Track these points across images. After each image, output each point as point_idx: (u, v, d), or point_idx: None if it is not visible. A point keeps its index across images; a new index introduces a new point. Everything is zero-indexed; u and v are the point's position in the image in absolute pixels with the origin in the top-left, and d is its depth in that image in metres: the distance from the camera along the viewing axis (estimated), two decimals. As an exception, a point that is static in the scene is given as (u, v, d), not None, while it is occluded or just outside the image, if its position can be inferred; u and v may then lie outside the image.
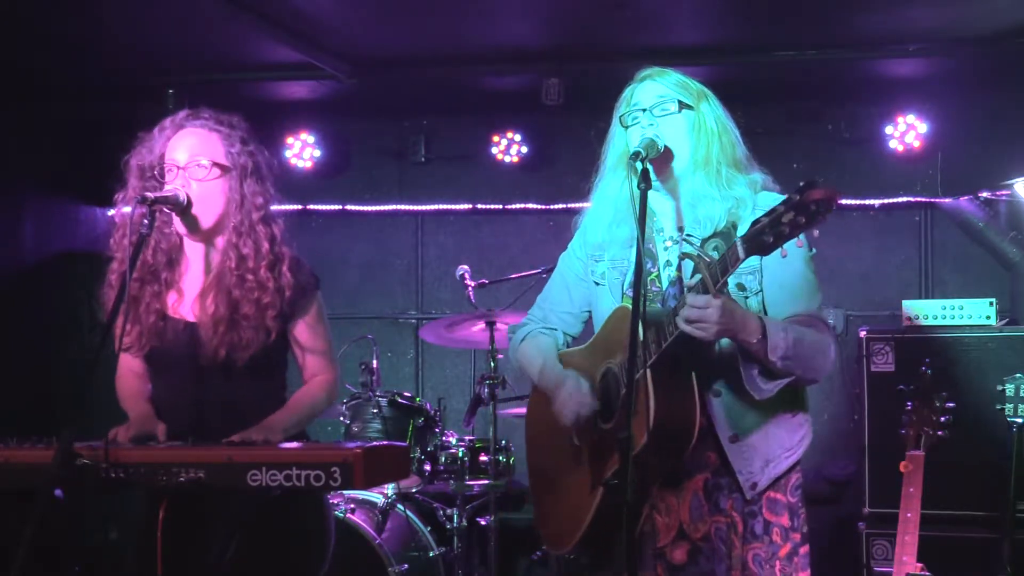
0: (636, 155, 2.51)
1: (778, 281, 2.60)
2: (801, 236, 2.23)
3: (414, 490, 4.93)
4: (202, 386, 2.83)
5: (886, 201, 5.92)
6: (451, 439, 4.92)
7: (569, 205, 6.01)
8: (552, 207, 6.20)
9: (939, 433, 3.86)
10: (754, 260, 2.36)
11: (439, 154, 6.37)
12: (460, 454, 4.81)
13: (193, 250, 2.90)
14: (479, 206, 6.37)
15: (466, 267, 5.30)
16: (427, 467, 4.80)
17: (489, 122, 6.15)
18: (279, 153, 6.14)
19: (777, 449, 2.62)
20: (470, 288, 5.22)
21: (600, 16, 4.87)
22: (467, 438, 4.94)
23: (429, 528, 4.88)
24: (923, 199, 5.89)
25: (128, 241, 2.69)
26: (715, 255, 2.38)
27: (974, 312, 4.78)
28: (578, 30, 5.11)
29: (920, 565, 3.78)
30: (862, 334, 4.87)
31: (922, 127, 5.66)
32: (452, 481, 4.83)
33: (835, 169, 5.84)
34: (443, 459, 4.83)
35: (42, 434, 2.59)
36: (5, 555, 2.38)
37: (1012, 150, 5.49)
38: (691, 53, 5.22)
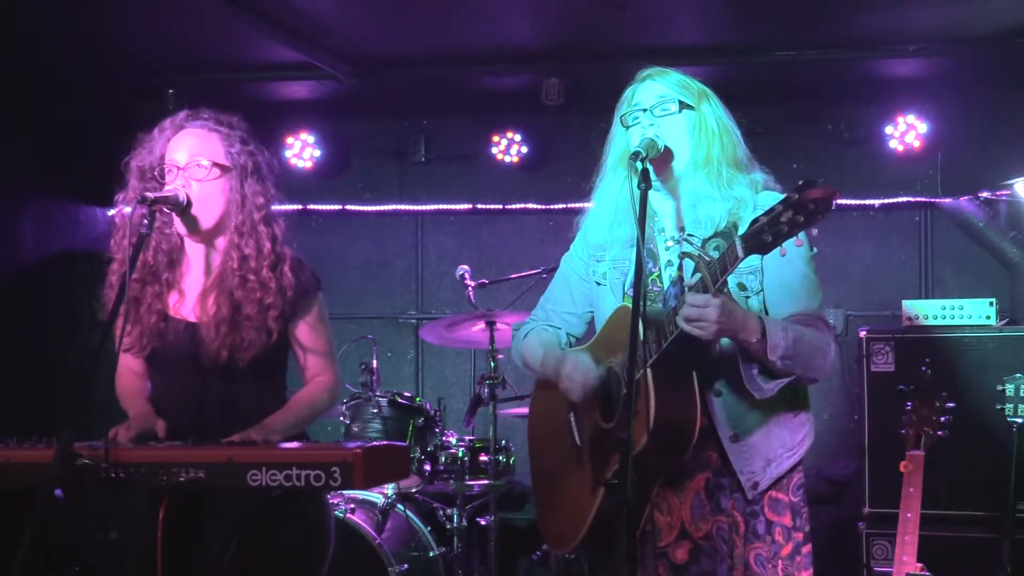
0: (636, 155, 2.51)
1: (779, 280, 2.60)
2: (801, 235, 2.24)
3: (414, 490, 4.94)
4: (203, 387, 2.83)
5: (886, 201, 5.92)
6: (451, 439, 4.92)
7: (569, 205, 6.01)
8: (552, 207, 6.20)
9: (939, 433, 3.86)
10: (755, 259, 2.37)
11: (439, 154, 6.37)
12: (460, 454, 4.81)
13: (194, 250, 2.90)
14: (479, 206, 6.37)
15: (466, 267, 5.30)
16: (427, 467, 4.80)
17: (489, 122, 6.15)
18: (279, 153, 6.14)
19: (778, 449, 2.62)
20: (470, 288, 5.22)
21: (600, 16, 4.86)
22: (467, 438, 4.94)
23: (429, 528, 4.88)
24: (923, 199, 5.89)
25: (128, 242, 2.69)
26: (716, 255, 2.38)
27: (974, 312, 4.78)
28: (578, 30, 5.11)
29: (920, 565, 3.78)
30: (862, 334, 4.87)
31: (922, 127, 5.66)
32: (452, 481, 4.83)
33: (835, 169, 5.84)
34: (443, 459, 4.83)
35: (42, 434, 2.59)
36: (5, 555, 2.38)
37: (1012, 150, 5.49)
38: (691, 53, 5.23)
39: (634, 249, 2.46)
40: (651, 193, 2.56)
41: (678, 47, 5.21)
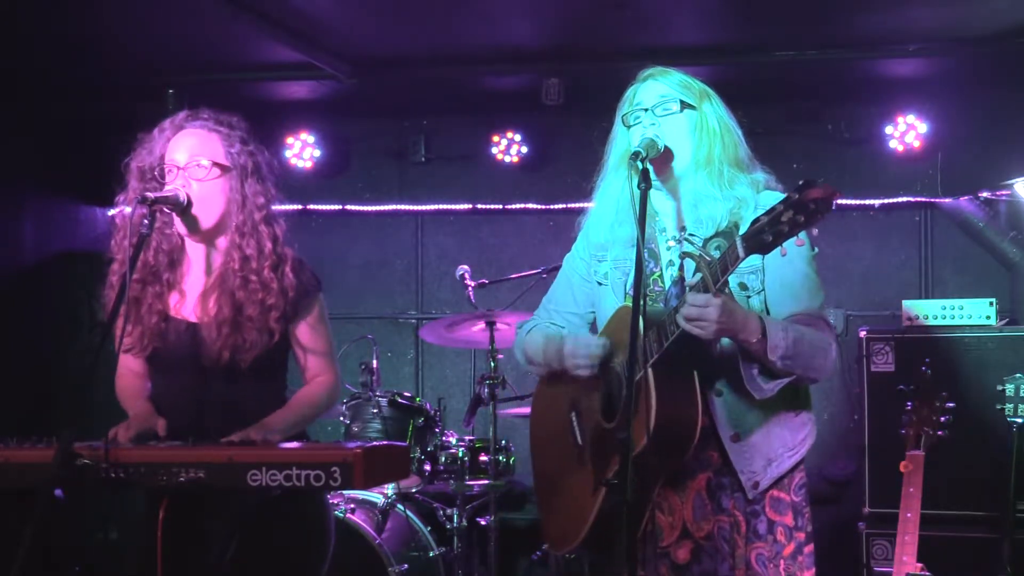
0: (636, 155, 2.52)
1: (780, 280, 2.60)
2: (802, 235, 2.24)
3: (414, 490, 4.94)
4: (204, 387, 2.83)
5: (886, 201, 5.92)
6: (451, 439, 4.92)
7: (569, 205, 6.01)
8: (552, 207, 6.20)
9: (939, 433, 3.86)
10: (756, 259, 2.37)
11: (439, 154, 6.37)
12: (460, 454, 4.81)
13: (194, 251, 2.90)
14: (479, 206, 6.37)
15: (466, 267, 5.31)
16: (427, 467, 4.80)
17: (489, 122, 6.15)
18: (279, 153, 6.14)
19: (779, 448, 2.62)
20: (470, 288, 5.22)
21: (600, 16, 4.87)
22: (467, 438, 4.94)
23: (429, 528, 4.88)
24: (923, 199, 5.89)
25: (129, 242, 2.69)
26: (717, 254, 2.38)
27: (974, 312, 4.78)
28: (578, 30, 5.11)
29: (920, 565, 3.79)
30: (862, 334, 4.87)
31: (922, 127, 5.66)
32: (452, 481, 4.83)
33: (835, 169, 5.84)
34: (443, 459, 4.83)
35: (42, 434, 2.58)
36: (5, 555, 2.38)
37: (1012, 150, 5.49)
38: (691, 53, 5.23)
39: (635, 249, 2.46)
40: (652, 193, 2.56)
41: (678, 47, 5.22)
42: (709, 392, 2.57)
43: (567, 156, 6.13)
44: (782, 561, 2.61)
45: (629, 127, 2.70)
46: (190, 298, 2.88)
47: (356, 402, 4.87)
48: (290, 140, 6.25)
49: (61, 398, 5.70)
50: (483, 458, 4.85)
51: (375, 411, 4.79)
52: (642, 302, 2.40)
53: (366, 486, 2.56)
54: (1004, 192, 5.55)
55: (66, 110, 5.86)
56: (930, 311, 4.82)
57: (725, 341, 2.52)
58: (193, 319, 2.86)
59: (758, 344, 2.43)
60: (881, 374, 4.76)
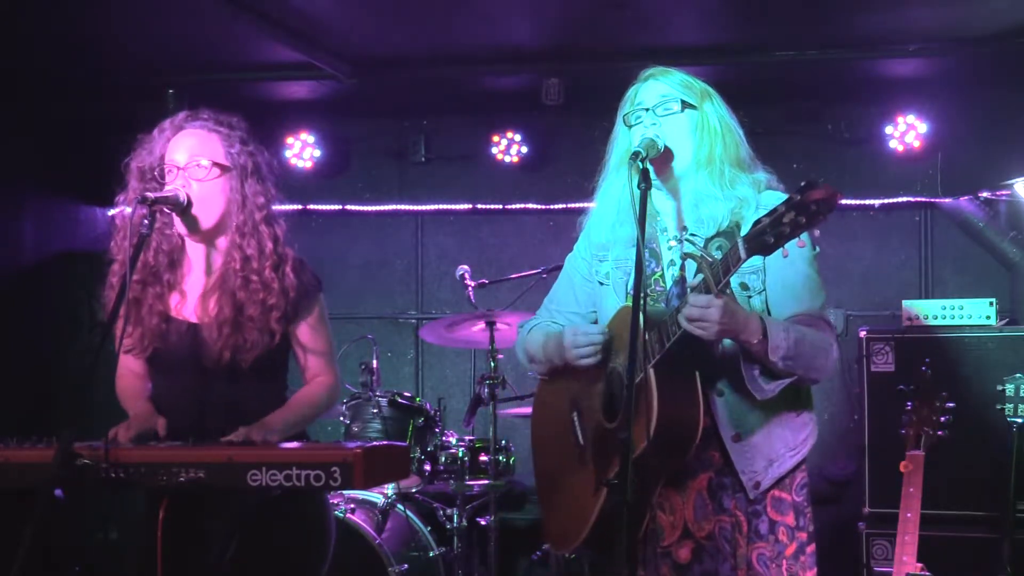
0: (636, 155, 2.52)
1: (781, 280, 2.60)
2: (803, 236, 2.24)
3: (414, 490, 4.94)
4: (205, 388, 2.83)
5: (886, 201, 5.92)
6: (451, 439, 4.92)
7: (569, 205, 6.02)
8: (552, 207, 6.20)
9: (939, 433, 3.86)
10: (757, 259, 2.37)
11: (439, 154, 6.37)
12: (460, 454, 4.81)
13: (195, 251, 2.90)
14: (479, 206, 6.37)
15: (466, 267, 5.31)
16: (427, 467, 4.80)
17: (489, 122, 6.15)
18: (279, 153, 6.14)
19: (781, 448, 2.62)
20: (470, 288, 5.22)
21: (600, 16, 4.87)
22: (467, 438, 4.94)
23: (429, 528, 4.88)
24: (923, 199, 5.89)
25: (129, 243, 2.69)
26: (718, 255, 2.38)
27: (974, 312, 4.78)
28: (578, 30, 5.11)
29: (920, 565, 3.79)
30: (862, 334, 4.87)
31: (922, 127, 5.66)
32: (452, 481, 4.83)
33: (835, 169, 5.84)
34: (443, 459, 4.83)
35: (42, 434, 2.59)
36: (5, 555, 2.38)
37: (1012, 150, 5.49)
38: (691, 53, 5.23)
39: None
40: (653, 193, 2.56)
41: (678, 47, 5.22)
42: (710, 392, 2.57)
43: (567, 156, 6.13)
44: (784, 561, 2.61)
45: (630, 127, 2.70)
46: (191, 299, 2.88)
47: (356, 402, 4.87)
48: (290, 140, 6.25)
49: (61, 398, 5.70)
50: (483, 458, 4.85)
51: (375, 411, 4.79)
52: (643, 302, 2.40)
53: (366, 486, 2.56)
54: (1004, 192, 5.55)
55: (66, 110, 5.86)
56: (930, 311, 4.82)
57: (727, 342, 2.52)
58: (194, 319, 2.86)
59: (759, 345, 2.43)
60: (881, 374, 4.76)
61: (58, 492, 2.38)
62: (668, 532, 2.63)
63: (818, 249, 2.63)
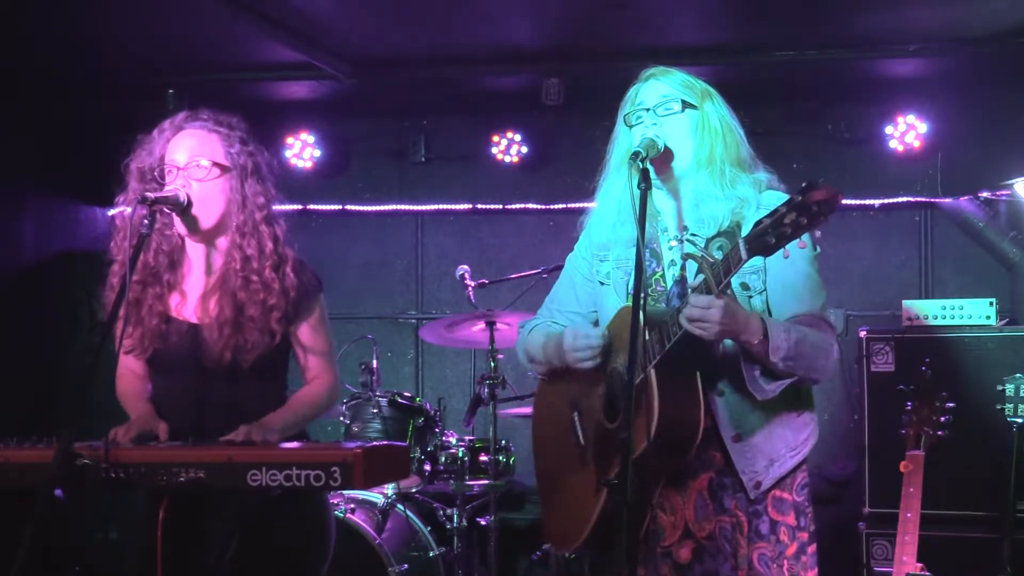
0: (636, 155, 2.52)
1: (782, 280, 2.60)
2: (804, 236, 2.24)
3: (414, 490, 4.94)
4: (205, 388, 2.83)
5: (886, 201, 5.92)
6: (451, 439, 4.92)
7: (569, 205, 6.02)
8: (552, 207, 6.20)
9: (939, 433, 3.86)
10: (758, 259, 2.37)
11: (439, 154, 6.37)
12: (460, 454, 4.81)
13: (195, 251, 2.90)
14: (479, 206, 6.37)
15: (466, 267, 5.31)
16: (427, 467, 4.80)
17: (489, 122, 6.15)
18: (279, 153, 6.14)
19: (781, 448, 2.62)
20: (470, 288, 5.22)
21: (600, 16, 4.87)
22: (467, 438, 4.94)
23: (429, 528, 4.88)
24: (923, 199, 5.89)
25: (129, 243, 2.69)
26: (719, 255, 2.38)
27: (974, 312, 4.78)
28: (578, 30, 5.11)
29: (920, 565, 3.79)
30: (862, 334, 4.87)
31: (922, 127, 5.66)
32: (452, 481, 4.83)
33: (835, 169, 5.84)
34: (443, 459, 4.83)
35: (42, 434, 2.59)
36: (5, 555, 2.38)
37: (1012, 150, 5.49)
38: (691, 53, 5.23)
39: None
40: (654, 193, 2.56)
41: (678, 47, 5.22)
42: (711, 392, 2.57)
43: (567, 156, 6.13)
44: (785, 561, 2.61)
45: (631, 127, 2.70)
46: (191, 299, 2.88)
47: (356, 402, 4.87)
48: (290, 140, 6.25)
49: (61, 398, 5.70)
50: (483, 458, 4.85)
51: (375, 411, 4.79)
52: (644, 302, 2.40)
53: (366, 486, 2.56)
54: (1004, 192, 5.55)
55: (66, 110, 5.86)
56: (930, 311, 4.82)
57: (727, 342, 2.52)
58: (194, 320, 2.86)
59: (760, 345, 2.43)
60: (881, 374, 4.76)
61: (58, 492, 2.38)
62: (669, 532, 2.63)
63: (819, 249, 2.63)
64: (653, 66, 2.74)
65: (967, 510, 4.56)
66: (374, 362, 4.97)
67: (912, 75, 5.54)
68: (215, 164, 2.81)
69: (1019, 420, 4.13)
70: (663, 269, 2.69)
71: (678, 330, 2.42)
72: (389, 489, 4.75)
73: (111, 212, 3.04)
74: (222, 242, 2.86)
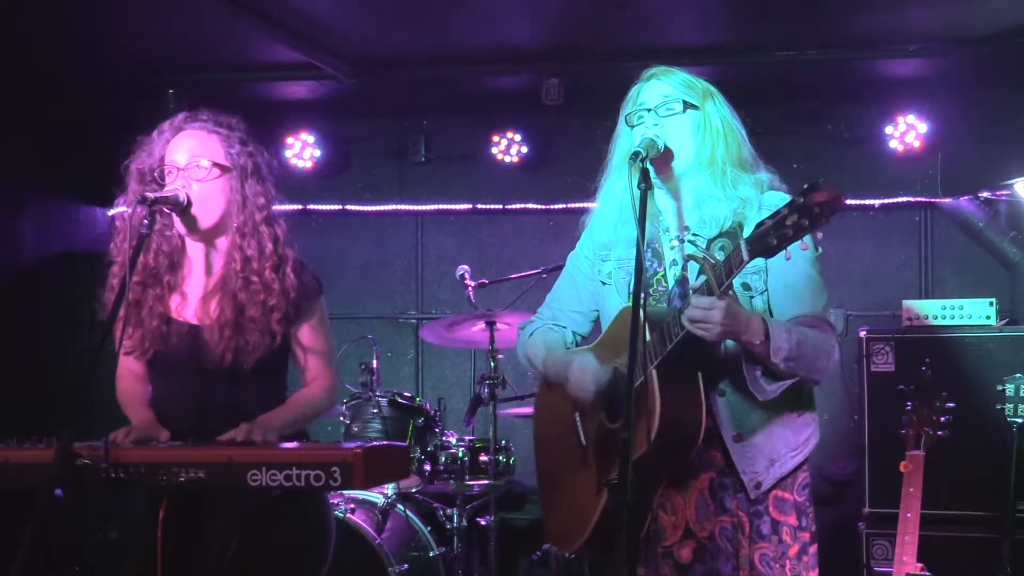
0: (636, 155, 2.52)
1: (783, 281, 2.60)
2: (806, 237, 2.24)
3: (414, 490, 4.93)
4: (206, 389, 2.82)
5: (886, 201, 5.92)
6: (451, 439, 4.92)
7: (569, 205, 6.02)
8: (552, 207, 6.20)
9: (939, 433, 3.86)
10: (759, 260, 2.37)
11: (439, 154, 6.37)
12: (460, 454, 4.81)
13: (195, 252, 2.90)
14: (479, 206, 6.37)
15: (466, 267, 5.31)
16: (427, 467, 4.80)
17: (489, 122, 6.15)
18: (279, 153, 6.14)
19: (782, 449, 2.62)
20: (470, 288, 5.22)
21: (600, 16, 4.87)
22: (467, 438, 4.94)
23: (429, 528, 4.88)
24: (923, 199, 5.89)
25: (128, 244, 2.69)
26: (720, 255, 2.39)
27: (974, 312, 4.78)
28: (578, 30, 5.11)
29: (920, 565, 3.79)
30: (862, 334, 4.87)
31: (922, 127, 5.66)
32: (452, 481, 4.83)
33: (835, 169, 5.84)
34: (443, 459, 4.83)
35: (42, 434, 2.59)
36: (5, 555, 2.38)
37: (1012, 150, 5.49)
38: (691, 53, 5.23)
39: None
40: (655, 192, 2.57)
41: (678, 47, 5.22)
42: (712, 392, 2.57)
43: (567, 156, 6.13)
44: (788, 562, 2.61)
45: (632, 127, 2.70)
46: (191, 300, 2.88)
47: (356, 402, 4.87)
48: (290, 140, 6.25)
49: (61, 398, 5.70)
50: (483, 458, 4.85)
51: (375, 411, 4.79)
52: (645, 302, 2.40)
53: (366, 486, 2.56)
54: (1004, 192, 5.55)
55: (66, 110, 5.86)
56: (930, 311, 4.82)
57: (729, 342, 2.52)
58: (194, 321, 2.85)
59: (761, 346, 2.43)
60: (881, 374, 4.76)
61: (58, 492, 2.38)
62: (670, 532, 2.63)
63: (821, 250, 2.63)
64: (654, 66, 2.74)
65: (967, 510, 4.56)
66: (374, 362, 4.97)
67: (912, 75, 5.54)
68: (215, 164, 2.81)
69: (1019, 420, 4.13)
70: (665, 269, 2.70)
71: (680, 331, 2.42)
72: (389, 489, 4.75)
73: (111, 212, 3.04)
74: (222, 243, 2.86)
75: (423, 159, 6.34)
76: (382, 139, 6.44)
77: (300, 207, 6.29)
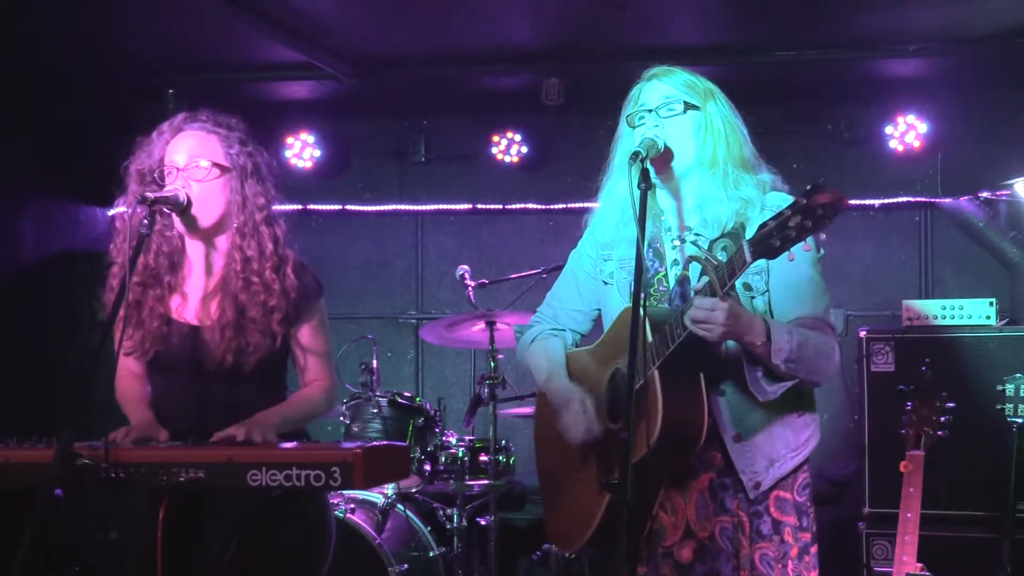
0: (635, 155, 2.52)
1: (785, 282, 2.60)
2: (809, 239, 2.24)
3: (414, 490, 4.93)
4: (206, 390, 2.82)
5: (886, 201, 5.92)
6: (451, 439, 4.92)
7: (569, 205, 6.02)
8: (552, 207, 6.20)
9: (939, 433, 3.86)
10: (761, 260, 2.37)
11: (439, 154, 6.37)
12: (460, 454, 4.81)
13: (195, 252, 2.90)
14: (479, 206, 6.36)
15: (466, 267, 5.30)
16: (427, 467, 4.80)
17: (489, 122, 6.15)
18: (279, 153, 6.14)
19: (782, 449, 2.62)
20: (470, 288, 5.22)
21: (600, 16, 4.87)
22: (467, 438, 4.94)
23: (429, 528, 4.88)
24: (923, 199, 5.89)
25: (128, 244, 2.69)
26: (723, 256, 2.39)
27: (974, 312, 4.77)
28: (578, 30, 5.11)
29: (920, 565, 3.79)
30: (862, 334, 4.87)
31: (922, 127, 5.66)
32: (452, 481, 4.83)
33: (835, 169, 5.84)
34: (443, 459, 4.83)
35: (42, 434, 2.59)
36: (5, 555, 2.38)
37: (1012, 150, 5.49)
38: (691, 53, 5.23)
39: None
40: (656, 192, 2.56)
41: (678, 47, 5.21)
42: (712, 392, 2.57)
43: (567, 156, 6.13)
44: (790, 562, 2.61)
45: (634, 127, 2.70)
46: (192, 301, 2.88)
47: (356, 402, 4.87)
48: (290, 140, 6.25)
49: (61, 398, 5.70)
50: (483, 458, 4.85)
51: (375, 411, 4.79)
52: (646, 302, 2.40)
53: (366, 486, 2.56)
54: (1004, 192, 5.54)
55: (66, 110, 5.86)
56: (930, 311, 4.82)
57: (730, 342, 2.52)
58: (195, 322, 2.85)
59: (763, 347, 2.43)
60: (881, 374, 4.76)
61: (58, 492, 2.38)
62: (670, 532, 2.63)
63: (823, 252, 2.63)
64: (655, 65, 2.74)
65: (967, 510, 4.55)
66: (374, 362, 4.97)
67: (912, 75, 5.54)
68: (215, 165, 2.81)
69: (1019, 420, 4.13)
70: (665, 269, 2.70)
71: (682, 331, 2.42)
72: (389, 489, 4.74)
73: (111, 212, 3.04)
74: (222, 243, 2.86)
75: (423, 159, 6.34)
76: (382, 139, 6.44)
77: (300, 207, 6.29)
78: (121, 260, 2.79)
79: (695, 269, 2.59)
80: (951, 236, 5.87)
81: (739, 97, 2.77)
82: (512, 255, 6.22)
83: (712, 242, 2.56)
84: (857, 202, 5.88)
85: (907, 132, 5.68)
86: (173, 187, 2.77)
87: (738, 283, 2.54)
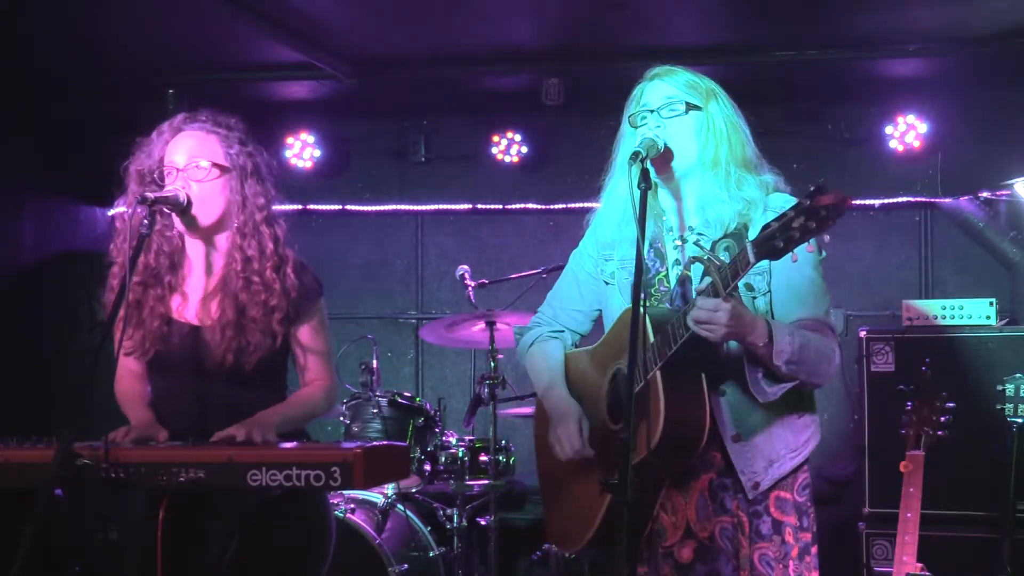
0: (636, 155, 2.52)
1: (786, 283, 2.60)
2: (812, 240, 2.24)
3: (414, 490, 4.93)
4: (206, 390, 2.82)
5: (886, 201, 5.92)
6: (451, 439, 4.92)
7: (569, 205, 6.02)
8: (552, 207, 6.20)
9: (939, 433, 3.86)
10: (763, 261, 2.37)
11: (439, 154, 6.37)
12: (460, 454, 4.81)
13: (195, 252, 2.90)
14: (479, 206, 6.36)
15: (466, 267, 5.30)
16: (427, 467, 4.80)
17: (489, 122, 6.15)
18: (279, 153, 6.14)
19: (782, 449, 2.62)
20: (470, 288, 5.22)
21: (600, 16, 4.87)
22: (467, 438, 4.94)
23: (429, 528, 4.88)
24: (923, 199, 5.89)
25: (128, 244, 2.69)
26: (725, 256, 2.38)
27: (974, 312, 4.78)
28: (578, 30, 5.11)
29: (920, 565, 3.79)
30: (862, 334, 4.87)
31: (922, 127, 5.66)
32: (452, 481, 4.83)
33: (835, 169, 5.84)
34: (443, 459, 4.83)
35: (42, 434, 2.58)
36: (5, 555, 2.38)
37: (1012, 150, 5.49)
38: (691, 53, 5.22)
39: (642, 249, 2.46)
40: (658, 192, 2.55)
41: (678, 47, 5.21)
42: (713, 392, 2.57)
43: (567, 156, 6.13)
44: (791, 562, 2.61)
45: (636, 127, 2.70)
46: (192, 301, 2.88)
47: (356, 402, 4.87)
48: (290, 140, 6.25)
49: (61, 398, 5.71)
50: (483, 458, 4.85)
51: (375, 411, 4.79)
52: (647, 302, 2.40)
53: (366, 486, 2.56)
54: (1004, 192, 5.54)
55: (66, 110, 5.86)
56: (930, 311, 4.82)
57: (731, 343, 2.52)
58: (195, 322, 2.85)
59: (764, 348, 2.43)
60: (881, 374, 4.76)
61: (58, 492, 2.38)
62: (670, 532, 2.63)
63: (824, 253, 2.63)
64: (657, 65, 2.74)
65: (967, 510, 4.56)
66: (374, 362, 4.97)
67: (912, 75, 5.54)
68: (214, 165, 2.81)
69: (1019, 420, 4.13)
70: (667, 269, 2.69)
71: (684, 332, 2.42)
72: (389, 489, 4.75)
73: (111, 212, 3.04)
74: (222, 243, 2.86)
75: (423, 159, 6.34)
76: (382, 139, 6.44)
77: (300, 207, 6.29)
78: (121, 260, 2.79)
79: (696, 269, 2.59)
80: (951, 236, 5.87)
81: (739, 97, 2.77)
82: (512, 255, 6.22)
83: (715, 243, 2.57)
84: (857, 202, 5.88)
85: (907, 132, 5.68)
86: (173, 187, 2.77)
87: (740, 284, 2.54)
